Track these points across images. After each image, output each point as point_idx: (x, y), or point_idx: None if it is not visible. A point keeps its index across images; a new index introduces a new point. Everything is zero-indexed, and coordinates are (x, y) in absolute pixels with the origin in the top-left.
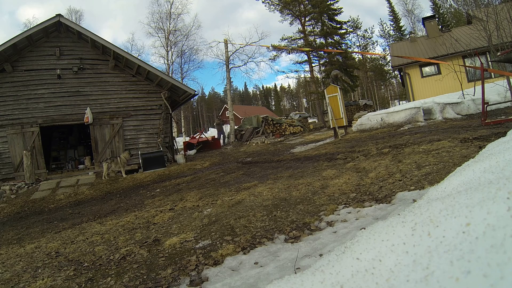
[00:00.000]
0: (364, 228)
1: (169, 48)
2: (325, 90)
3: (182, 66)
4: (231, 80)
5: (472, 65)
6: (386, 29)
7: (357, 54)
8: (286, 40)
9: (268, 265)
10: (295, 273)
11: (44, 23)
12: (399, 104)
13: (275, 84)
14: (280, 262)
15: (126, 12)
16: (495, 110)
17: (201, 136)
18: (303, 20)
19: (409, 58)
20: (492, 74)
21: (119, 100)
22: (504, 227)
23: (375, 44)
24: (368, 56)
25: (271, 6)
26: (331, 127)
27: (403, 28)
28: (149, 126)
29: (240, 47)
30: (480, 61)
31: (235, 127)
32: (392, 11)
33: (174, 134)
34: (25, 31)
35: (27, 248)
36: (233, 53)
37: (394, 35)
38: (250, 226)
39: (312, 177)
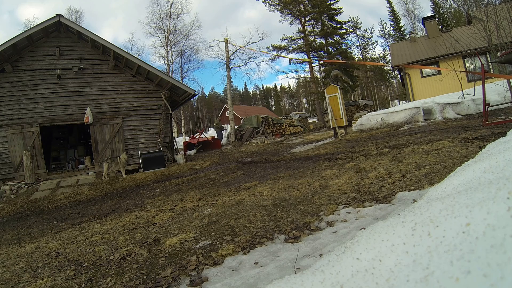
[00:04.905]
0: (364, 228)
1: (169, 48)
2: (325, 90)
3: (182, 66)
4: (231, 80)
5: (473, 66)
6: (386, 29)
7: (358, 54)
8: (286, 40)
9: (268, 265)
10: (295, 273)
11: (44, 23)
12: (399, 104)
13: (275, 84)
14: (280, 262)
15: (127, 11)
16: (495, 110)
17: (201, 136)
18: (303, 20)
19: (412, 67)
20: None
21: (119, 100)
22: (504, 227)
23: (375, 44)
24: (368, 56)
25: (271, 6)
26: (331, 127)
27: (403, 28)
28: (149, 126)
29: (240, 48)
30: (481, 63)
31: (235, 127)
32: (392, 11)
33: (174, 134)
34: (25, 31)
35: (27, 248)
36: (233, 52)
37: (394, 35)
38: (250, 226)
39: (312, 177)
